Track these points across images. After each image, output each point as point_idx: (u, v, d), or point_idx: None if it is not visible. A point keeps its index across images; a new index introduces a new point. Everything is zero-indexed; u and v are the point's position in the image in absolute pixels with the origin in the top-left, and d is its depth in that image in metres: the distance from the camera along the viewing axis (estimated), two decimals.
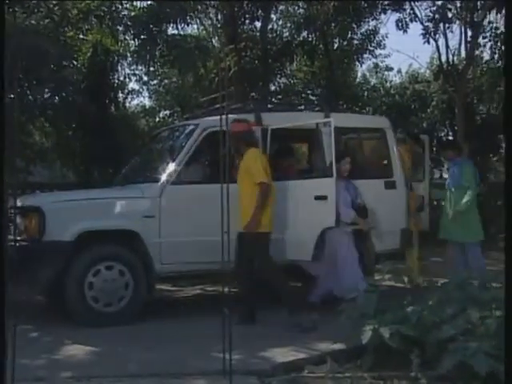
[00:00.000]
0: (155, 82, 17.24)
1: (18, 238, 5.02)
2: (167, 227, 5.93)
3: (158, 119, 17.43)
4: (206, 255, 5.62)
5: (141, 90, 16.68)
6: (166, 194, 5.97)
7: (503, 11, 12.91)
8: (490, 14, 13.10)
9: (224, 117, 4.22)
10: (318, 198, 5.82)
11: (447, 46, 13.82)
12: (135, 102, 22.62)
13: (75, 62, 11.06)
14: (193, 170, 6.30)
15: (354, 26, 14.37)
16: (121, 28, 11.41)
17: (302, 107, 7.79)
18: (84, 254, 5.67)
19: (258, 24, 13.67)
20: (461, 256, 6.80)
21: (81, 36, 11.69)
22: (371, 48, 15.60)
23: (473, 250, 6.76)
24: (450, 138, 15.18)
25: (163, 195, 5.96)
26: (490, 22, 13.71)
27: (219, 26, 13.88)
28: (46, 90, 10.32)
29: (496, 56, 13.91)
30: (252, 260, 5.75)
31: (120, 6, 11.39)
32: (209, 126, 6.17)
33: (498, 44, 13.52)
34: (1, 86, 3.00)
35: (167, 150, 6.79)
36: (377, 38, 15.49)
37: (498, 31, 13.55)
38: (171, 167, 6.13)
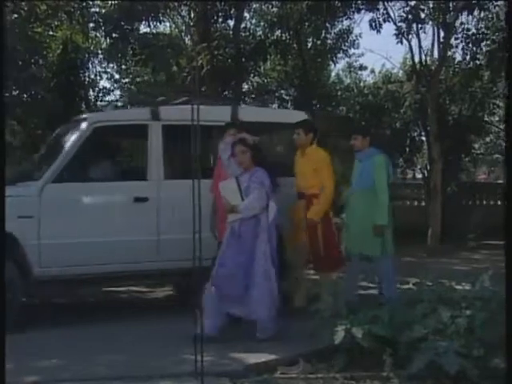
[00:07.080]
0: (127, 80, 17.06)
1: None
2: (47, 228, 5.52)
3: None
4: (92, 257, 5.43)
5: (112, 88, 16.52)
6: (46, 192, 5.58)
7: (474, 13, 13.11)
8: (461, 15, 13.26)
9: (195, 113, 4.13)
10: None
11: (420, 47, 13.93)
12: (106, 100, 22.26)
13: (44, 59, 10.87)
14: (78, 167, 5.86)
15: (328, 25, 14.45)
16: (92, 25, 11.27)
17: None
18: None
19: (231, 22, 13.64)
20: (359, 271, 5.80)
21: (50, 32, 11.50)
22: (345, 47, 15.69)
23: (386, 264, 5.56)
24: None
25: (43, 194, 5.57)
26: (461, 23, 13.88)
27: (192, 24, 13.79)
28: (14, 87, 10.11)
29: (468, 57, 14.07)
30: None
31: (91, 3, 11.25)
32: (96, 121, 5.90)
33: (470, 45, 13.68)
34: (1, 87, 2.88)
35: (55, 147, 6.29)
36: (350, 38, 15.58)
37: (470, 32, 13.73)
38: (54, 165, 5.73)
